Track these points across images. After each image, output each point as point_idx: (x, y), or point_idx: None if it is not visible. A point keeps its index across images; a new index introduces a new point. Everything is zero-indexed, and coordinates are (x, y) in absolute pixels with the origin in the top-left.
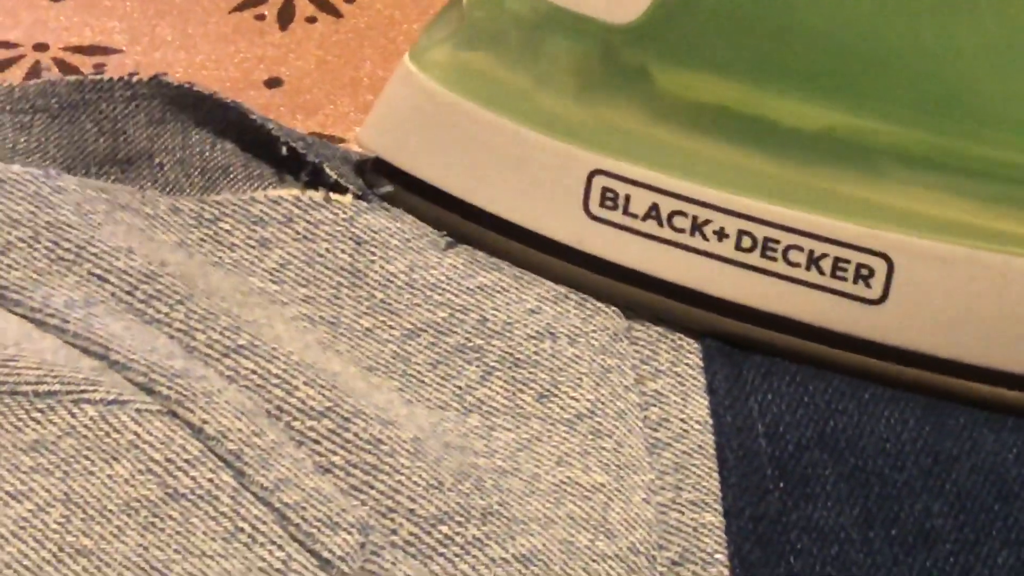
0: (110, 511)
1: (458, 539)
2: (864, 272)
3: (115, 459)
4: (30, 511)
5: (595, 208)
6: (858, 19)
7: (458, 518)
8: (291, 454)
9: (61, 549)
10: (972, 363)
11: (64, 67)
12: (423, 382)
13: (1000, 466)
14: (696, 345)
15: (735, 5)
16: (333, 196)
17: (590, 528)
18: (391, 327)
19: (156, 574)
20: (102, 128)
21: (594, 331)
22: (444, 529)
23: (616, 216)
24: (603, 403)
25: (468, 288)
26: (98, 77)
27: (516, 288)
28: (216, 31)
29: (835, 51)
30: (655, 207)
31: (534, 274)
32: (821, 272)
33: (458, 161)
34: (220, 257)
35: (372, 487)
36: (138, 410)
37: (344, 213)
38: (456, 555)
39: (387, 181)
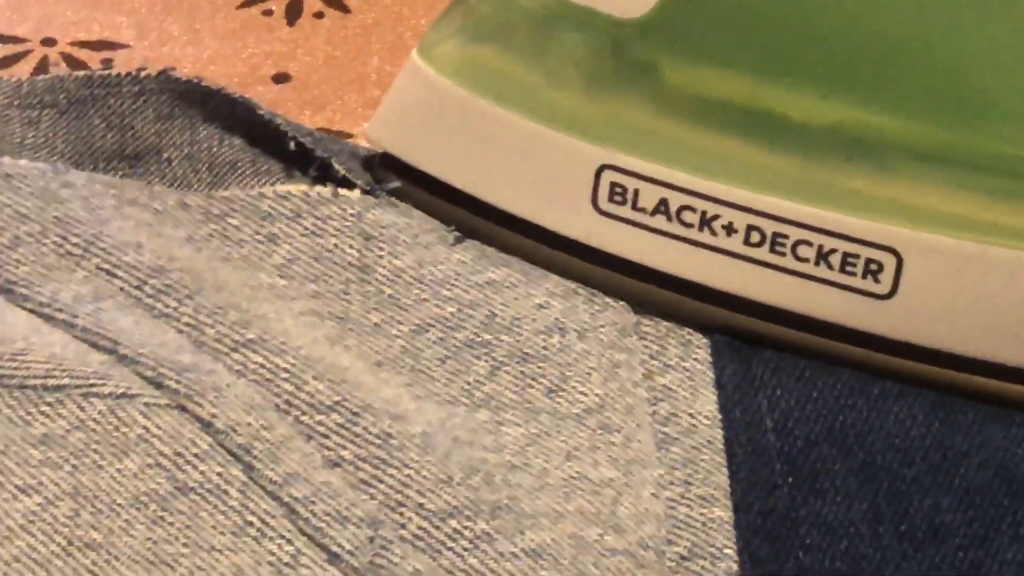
0: (119, 505)
1: (467, 533)
2: (873, 267)
3: (124, 453)
4: (39, 505)
5: (604, 203)
6: (868, 13)
7: (467, 513)
8: (300, 448)
9: (70, 543)
10: (981, 358)
11: (72, 62)
12: (432, 377)
13: (1009, 461)
14: (705, 340)
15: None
16: (341, 191)
17: (599, 523)
18: (399, 322)
19: (165, 568)
20: (110, 123)
21: (603, 326)
22: (453, 523)
23: (625, 211)
24: (612, 398)
25: (477, 283)
26: (106, 72)
27: (525, 283)
28: (224, 26)
29: (845, 46)
30: (664, 202)
31: (543, 269)
32: (830, 267)
33: (466, 156)
34: (228, 252)
35: (381, 481)
36: (147, 404)
37: (352, 208)
38: (465, 549)
39: (395, 176)
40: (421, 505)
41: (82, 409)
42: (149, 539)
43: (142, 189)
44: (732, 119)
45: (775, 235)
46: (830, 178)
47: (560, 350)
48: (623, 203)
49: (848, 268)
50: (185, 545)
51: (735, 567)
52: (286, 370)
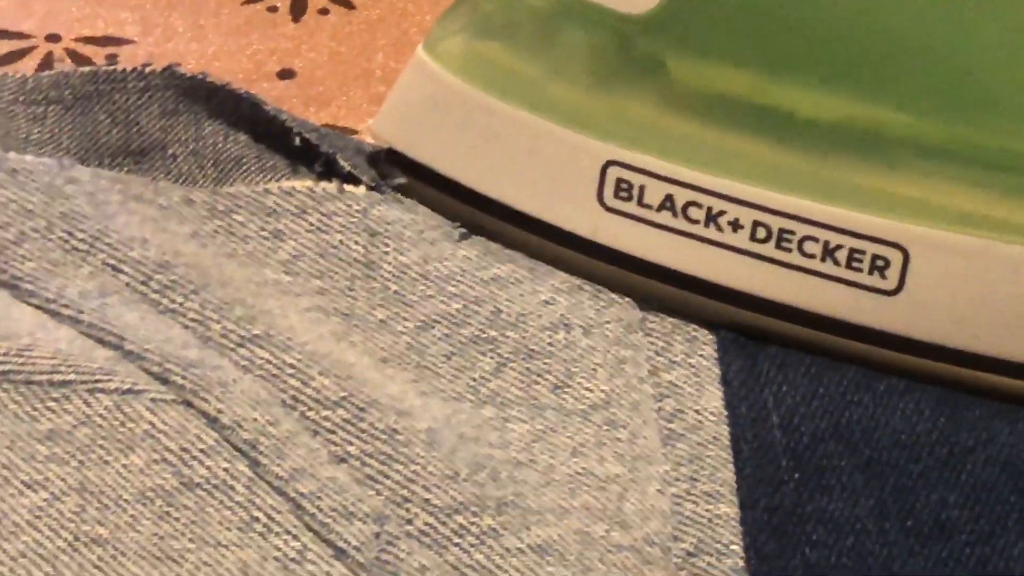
0: (125, 500)
1: (473, 529)
2: (880, 263)
3: (130, 448)
4: (45, 500)
5: (609, 199)
6: (875, 8)
7: (473, 508)
8: (306, 444)
9: (76, 538)
10: (988, 354)
11: (76, 58)
12: (437, 373)
13: (1016, 457)
14: (711, 336)
15: None
16: (346, 187)
17: (605, 519)
18: (405, 319)
19: (171, 563)
20: (115, 119)
21: (608, 322)
22: (459, 519)
23: (630, 207)
24: (617, 394)
25: (482, 279)
26: (111, 68)
27: (530, 279)
28: (228, 23)
29: (852, 41)
30: (670, 198)
31: (548, 265)
32: (836, 263)
33: (472, 152)
34: (233, 248)
35: (387, 477)
36: (153, 400)
37: (357, 204)
38: (471, 545)
39: (400, 172)
40: (427, 501)
41: (88, 405)
42: (155, 534)
43: (147, 185)
44: (738, 115)
45: (781, 231)
46: (837, 174)
47: (566, 346)
48: (629, 199)
49: (854, 264)
50: (191, 540)
51: (741, 563)
52: (292, 366)
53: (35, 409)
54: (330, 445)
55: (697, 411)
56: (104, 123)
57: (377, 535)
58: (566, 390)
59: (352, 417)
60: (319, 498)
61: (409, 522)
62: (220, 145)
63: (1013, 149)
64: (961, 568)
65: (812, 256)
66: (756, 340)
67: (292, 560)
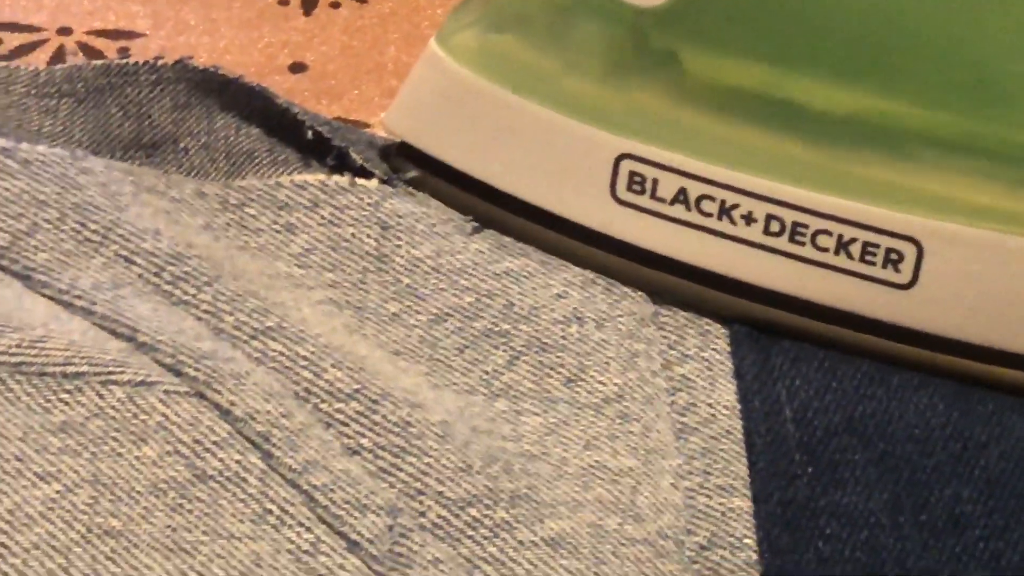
0: (138, 492)
1: (487, 522)
2: (893, 257)
3: (143, 440)
4: (58, 492)
5: (622, 192)
6: (888, 1)
7: (486, 501)
8: (319, 436)
9: (89, 530)
10: (1002, 348)
11: (88, 51)
12: (450, 367)
13: None
14: (724, 330)
15: None
16: (359, 181)
17: (618, 512)
18: (417, 312)
19: (184, 555)
20: (127, 112)
21: (621, 316)
22: (473, 512)
23: (643, 200)
24: (630, 388)
25: (494, 273)
26: (124, 61)
27: (543, 273)
28: (240, 16)
29: (865, 34)
30: (683, 191)
31: (561, 259)
32: (850, 257)
33: (484, 145)
34: (246, 242)
35: (400, 469)
36: (166, 391)
37: (370, 198)
38: (485, 538)
39: (413, 166)
40: (440, 493)
41: (101, 397)
42: (168, 526)
43: (160, 177)
44: (752, 108)
45: (795, 224)
46: (850, 167)
47: (578, 340)
48: (642, 192)
49: (868, 258)
50: (204, 533)
51: (754, 557)
52: (305, 358)
53: (48, 401)
54: (343, 437)
55: (710, 405)
56: (116, 116)
57: (390, 527)
58: (579, 383)
59: (365, 409)
60: (332, 490)
61: (422, 515)
62: (232, 138)
63: None
64: (975, 562)
65: (826, 250)
66: (769, 334)
67: (305, 552)
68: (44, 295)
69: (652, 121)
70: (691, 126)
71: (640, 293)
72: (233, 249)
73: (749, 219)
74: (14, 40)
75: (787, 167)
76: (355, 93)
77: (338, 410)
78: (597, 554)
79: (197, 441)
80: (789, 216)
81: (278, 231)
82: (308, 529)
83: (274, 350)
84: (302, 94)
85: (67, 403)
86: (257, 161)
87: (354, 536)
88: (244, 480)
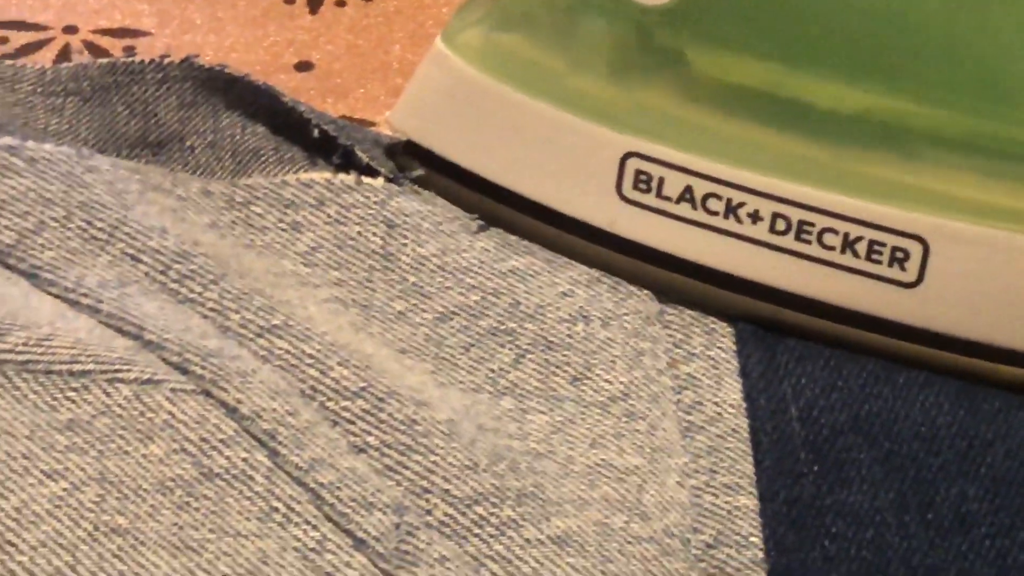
0: (145, 490)
1: (493, 520)
2: (899, 255)
3: (149, 439)
4: (65, 490)
5: (628, 191)
6: (894, 0)
7: (493, 499)
8: (325, 434)
9: (96, 528)
10: (1008, 347)
11: (94, 50)
12: (456, 365)
13: None
14: (729, 329)
15: None
16: (364, 179)
17: (624, 510)
18: (423, 310)
19: (191, 553)
20: (133, 111)
21: (627, 314)
22: (479, 510)
23: (649, 199)
24: (636, 386)
25: (500, 271)
26: (130, 60)
27: (548, 271)
28: (246, 14)
29: (871, 32)
30: (689, 190)
31: (566, 257)
32: (856, 255)
33: (490, 143)
34: (252, 240)
35: (407, 468)
36: (172, 390)
37: (375, 196)
38: (491, 536)
39: (418, 164)
40: (447, 491)
41: (108, 395)
42: (175, 524)
43: (166, 175)
44: (758, 106)
45: (801, 223)
46: (856, 166)
47: (584, 338)
48: (648, 191)
49: (874, 256)
50: (211, 531)
51: (760, 555)
52: (311, 356)
53: (55, 399)
54: (349, 435)
55: (716, 403)
56: (122, 115)
57: (397, 525)
58: (585, 382)
59: (371, 408)
60: (338, 488)
61: (429, 512)
62: (238, 137)
63: None
64: (981, 561)
65: (832, 248)
66: (775, 332)
67: (311, 550)
68: (50, 293)
69: (658, 119)
70: (697, 124)
71: (646, 291)
72: (239, 247)
73: (755, 217)
74: (20, 38)
75: (793, 165)
76: (361, 91)
77: (344, 408)
78: (603, 552)
79: (204, 439)
80: (795, 214)
81: (284, 229)
82: (314, 527)
83: (280, 348)
84: (308, 92)
85: (74, 401)
86: (263, 159)
87: (360, 534)
88: (251, 478)
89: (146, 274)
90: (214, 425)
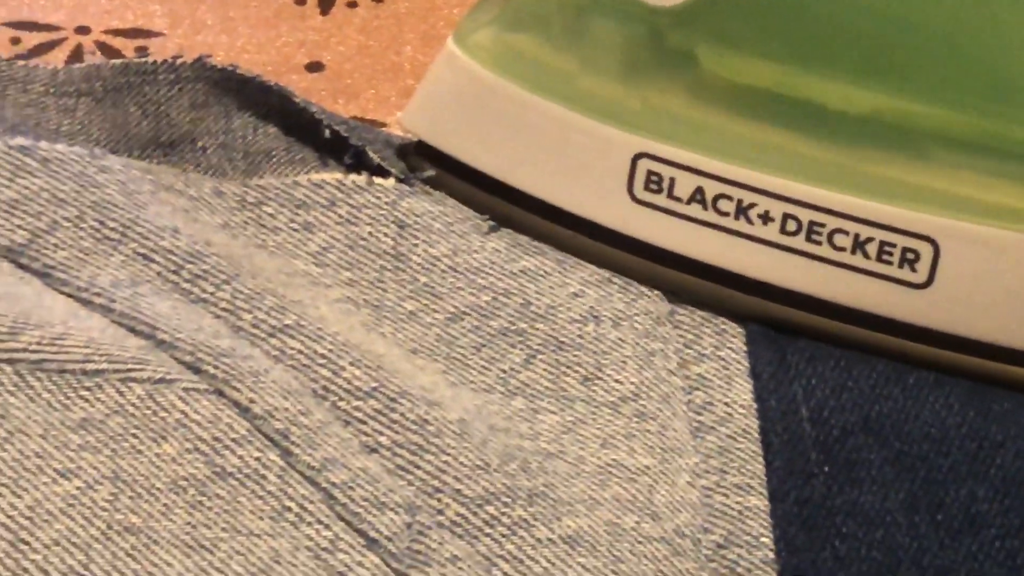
0: (158, 489)
1: (504, 519)
2: (910, 256)
3: (163, 438)
4: (79, 489)
5: (639, 191)
6: (905, 1)
7: (504, 499)
8: (338, 434)
9: (109, 526)
10: (1018, 348)
11: (106, 50)
12: (467, 365)
13: None
14: (740, 329)
15: None
16: (376, 180)
17: (635, 510)
18: (434, 310)
19: (203, 552)
20: (145, 111)
21: (637, 315)
22: (490, 509)
23: (660, 199)
24: (647, 386)
25: (511, 272)
26: (142, 60)
27: (559, 272)
28: (257, 15)
29: (882, 34)
30: (700, 190)
31: (577, 258)
32: (867, 256)
33: (501, 144)
34: (263, 240)
35: (418, 467)
36: (185, 389)
37: (387, 197)
38: (502, 535)
39: (430, 165)
40: (459, 491)
41: (121, 394)
42: (188, 523)
43: (178, 175)
44: (769, 107)
45: (811, 224)
46: (867, 166)
47: (595, 338)
48: (659, 191)
49: (884, 257)
50: (224, 529)
51: (771, 555)
52: (323, 356)
53: (68, 398)
54: (361, 435)
55: (726, 404)
56: (134, 115)
57: (409, 525)
58: (596, 382)
59: (383, 407)
60: (351, 488)
61: (440, 512)
62: (250, 137)
63: None
64: (991, 561)
65: (842, 249)
66: (785, 333)
67: (324, 550)
68: (63, 293)
69: (669, 120)
70: (708, 125)
71: (656, 292)
72: (251, 247)
73: (766, 218)
74: (32, 39)
75: (804, 166)
76: (372, 92)
77: (356, 408)
78: (614, 552)
79: (216, 438)
80: (806, 215)
81: (296, 230)
82: (327, 526)
83: (292, 348)
84: (319, 93)
85: (87, 400)
86: (275, 160)
87: (372, 533)
88: (263, 477)
89: (158, 274)
90: (227, 424)
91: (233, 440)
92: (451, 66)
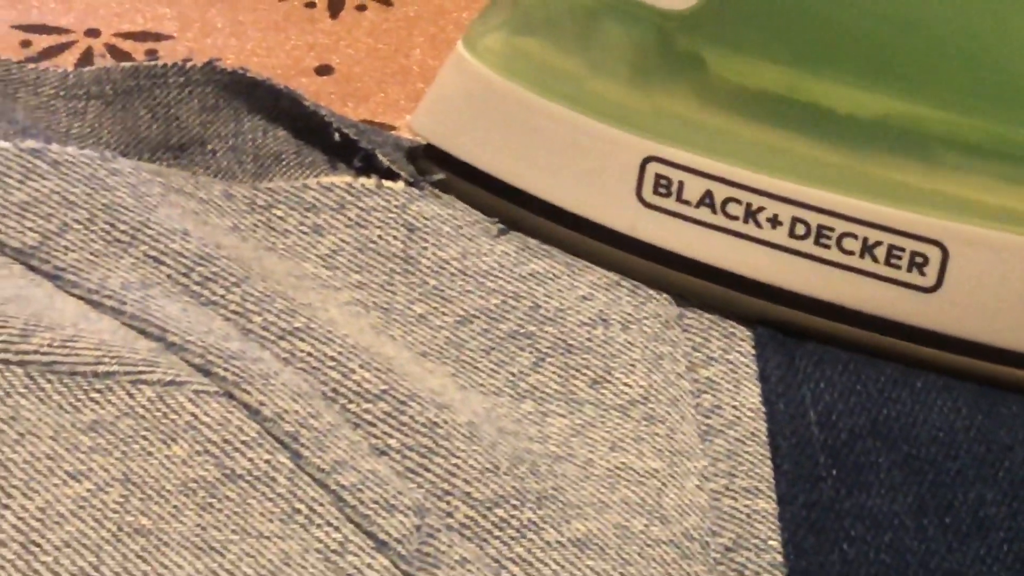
0: (168, 491)
1: (513, 522)
2: (918, 260)
3: (173, 440)
4: (89, 491)
5: (648, 195)
6: (914, 5)
7: (513, 501)
8: (347, 436)
9: (120, 528)
10: None
11: (116, 53)
12: (476, 368)
13: None
14: (748, 333)
15: None
16: (385, 183)
17: (644, 513)
18: (444, 313)
19: (213, 554)
20: (155, 114)
21: (646, 318)
22: (500, 512)
23: (669, 203)
24: (656, 390)
25: (520, 275)
26: (152, 63)
27: (568, 275)
28: (267, 18)
29: (890, 38)
30: (709, 194)
31: (586, 261)
32: (875, 260)
33: (510, 147)
34: (273, 243)
35: (428, 470)
36: (195, 391)
37: (396, 200)
38: (512, 538)
39: (439, 168)
40: (468, 494)
41: (131, 396)
42: (198, 525)
43: (188, 178)
44: (777, 111)
45: (820, 228)
46: (876, 171)
47: (604, 342)
48: (668, 195)
49: (893, 261)
50: (234, 532)
51: (779, 558)
52: (333, 358)
53: (78, 400)
54: (371, 438)
55: (735, 407)
56: (144, 118)
57: (418, 528)
58: (604, 385)
59: (393, 410)
60: (360, 490)
61: (450, 515)
62: (259, 140)
63: None
64: (999, 565)
65: (851, 252)
66: (794, 336)
67: (333, 552)
68: (74, 295)
69: (678, 124)
70: (717, 129)
71: (665, 295)
72: (261, 250)
73: (775, 222)
74: (43, 42)
75: (813, 170)
76: (381, 96)
77: (366, 410)
78: (623, 555)
79: (226, 441)
80: (814, 219)
81: (305, 232)
82: (336, 528)
83: (302, 350)
84: (328, 96)
85: (97, 402)
86: (284, 163)
87: (382, 536)
88: (273, 479)
89: (169, 276)
90: (237, 427)
91: (243, 442)
92: (460, 70)
